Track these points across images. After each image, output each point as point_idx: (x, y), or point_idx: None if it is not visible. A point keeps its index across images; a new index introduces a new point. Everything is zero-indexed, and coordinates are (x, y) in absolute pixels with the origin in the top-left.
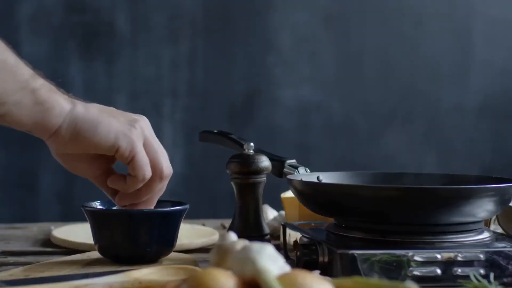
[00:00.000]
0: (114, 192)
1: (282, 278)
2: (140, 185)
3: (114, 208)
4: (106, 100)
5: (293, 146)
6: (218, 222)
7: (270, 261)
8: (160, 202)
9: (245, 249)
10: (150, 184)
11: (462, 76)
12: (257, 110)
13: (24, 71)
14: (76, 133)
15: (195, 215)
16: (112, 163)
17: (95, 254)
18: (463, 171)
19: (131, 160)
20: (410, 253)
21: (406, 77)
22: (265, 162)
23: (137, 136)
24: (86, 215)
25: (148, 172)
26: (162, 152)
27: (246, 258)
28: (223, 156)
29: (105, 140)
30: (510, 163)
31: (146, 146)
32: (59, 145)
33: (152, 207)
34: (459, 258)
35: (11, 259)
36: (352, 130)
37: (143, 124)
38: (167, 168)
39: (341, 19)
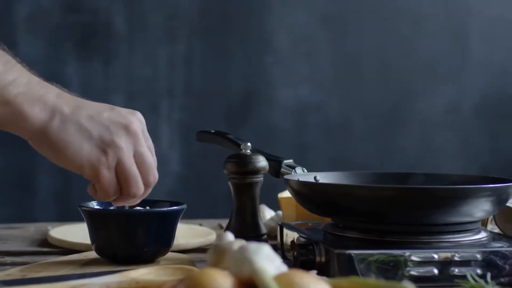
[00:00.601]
0: None
1: (279, 278)
2: (109, 200)
3: (111, 208)
4: (103, 100)
5: (291, 146)
6: (215, 222)
7: (267, 261)
8: (157, 202)
9: (242, 249)
10: (121, 199)
11: (459, 76)
12: (254, 110)
13: (6, 76)
14: (42, 151)
15: (192, 215)
16: None
17: (92, 254)
18: (461, 171)
19: (96, 182)
20: (407, 253)
21: (403, 77)
22: (262, 162)
23: (105, 164)
24: (83, 215)
25: (113, 194)
26: (135, 174)
27: (243, 258)
28: (221, 156)
29: (70, 164)
30: (508, 163)
31: (118, 170)
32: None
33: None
34: (456, 258)
35: (8, 259)
36: (349, 130)
37: (122, 143)
38: (137, 189)
39: (338, 19)
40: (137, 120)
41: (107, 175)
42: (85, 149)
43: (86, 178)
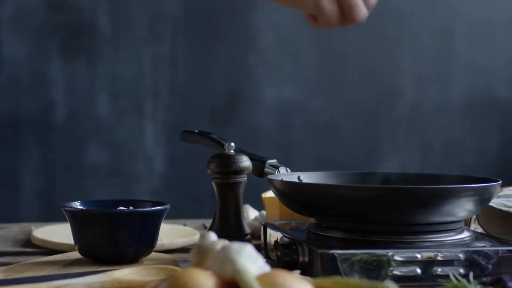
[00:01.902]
0: None
1: (262, 278)
2: (334, 21)
3: (94, 208)
4: (87, 100)
5: (276, 146)
6: (199, 222)
7: (250, 261)
8: (140, 202)
9: (224, 249)
10: (345, 24)
11: (444, 77)
12: (239, 110)
13: None
14: None
15: (177, 215)
16: None
17: (76, 255)
18: (445, 171)
19: (319, 15)
20: (390, 252)
21: (388, 77)
22: (245, 162)
23: None
24: (66, 215)
25: (336, 22)
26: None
27: (226, 258)
28: (206, 156)
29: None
30: (492, 163)
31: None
32: None
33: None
34: (439, 258)
35: None
36: (334, 130)
37: None
38: (360, 13)
39: None
40: None
41: (328, 6)
42: None
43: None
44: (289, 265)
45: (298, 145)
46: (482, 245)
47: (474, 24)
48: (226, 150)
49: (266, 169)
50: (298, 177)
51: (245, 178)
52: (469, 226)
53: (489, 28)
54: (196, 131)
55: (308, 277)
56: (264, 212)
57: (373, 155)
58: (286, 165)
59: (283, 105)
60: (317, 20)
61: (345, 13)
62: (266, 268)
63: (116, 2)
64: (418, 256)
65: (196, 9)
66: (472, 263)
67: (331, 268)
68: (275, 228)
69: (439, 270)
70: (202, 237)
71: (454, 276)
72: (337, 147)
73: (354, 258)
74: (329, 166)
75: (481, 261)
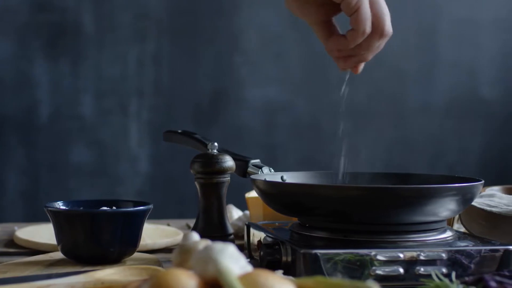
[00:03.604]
0: (336, 56)
1: (244, 278)
2: (360, 40)
3: (77, 208)
4: (72, 99)
5: (260, 146)
6: (183, 222)
7: (232, 261)
8: (123, 202)
9: (206, 249)
10: (369, 40)
11: (428, 76)
12: (223, 110)
13: None
14: None
15: (161, 215)
16: (336, 13)
17: (58, 255)
18: (429, 171)
19: (355, 12)
20: (373, 252)
21: (372, 77)
22: (228, 162)
23: None
24: (48, 216)
25: (368, 27)
26: (386, 11)
27: (208, 258)
28: (190, 156)
29: None
30: (475, 163)
31: (372, 2)
32: None
33: (366, 61)
34: (421, 257)
35: None
36: (318, 130)
37: None
38: (388, 27)
39: None
40: None
41: (366, 2)
42: None
43: (344, 10)
44: (272, 265)
45: (282, 145)
46: (465, 245)
47: (458, 24)
48: (209, 150)
49: (249, 169)
50: (281, 177)
51: (228, 178)
52: (452, 226)
53: (473, 28)
54: (179, 131)
55: (290, 277)
56: (247, 212)
57: (356, 154)
58: (270, 165)
59: (267, 105)
60: (346, 38)
61: (376, 21)
62: (248, 268)
63: (101, 2)
64: (401, 255)
65: (180, 9)
66: (454, 262)
67: (314, 268)
68: (258, 228)
69: (421, 269)
70: (185, 237)
71: (437, 275)
72: (321, 147)
73: (337, 258)
74: (313, 166)
75: (463, 261)
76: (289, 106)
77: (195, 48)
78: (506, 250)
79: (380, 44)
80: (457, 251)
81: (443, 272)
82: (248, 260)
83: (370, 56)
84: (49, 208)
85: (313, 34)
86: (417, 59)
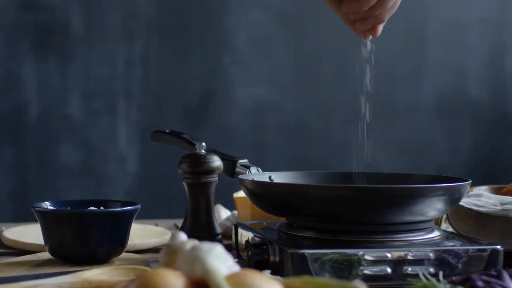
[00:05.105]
0: (351, 21)
1: (231, 278)
2: (374, 1)
3: (64, 208)
4: (60, 100)
5: (249, 146)
6: (171, 222)
7: (219, 261)
8: (111, 202)
9: (194, 249)
10: (382, 1)
11: (416, 76)
12: (212, 110)
13: None
14: None
15: (150, 215)
16: None
17: (46, 255)
18: (418, 171)
19: None
20: (360, 252)
21: (361, 77)
22: (216, 162)
23: None
24: (36, 216)
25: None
26: None
27: (195, 258)
28: (179, 156)
29: None
30: (465, 163)
31: None
32: None
33: (383, 23)
34: (409, 257)
35: None
36: (307, 130)
37: None
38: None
39: (296, 19)
40: None
41: None
42: None
43: None
44: (260, 265)
45: (271, 145)
46: (452, 244)
47: (446, 24)
48: (197, 150)
49: (237, 169)
50: (269, 177)
51: (216, 178)
52: (439, 226)
53: (462, 28)
54: (167, 131)
55: (278, 277)
56: (236, 212)
57: (345, 155)
58: (259, 165)
59: (256, 105)
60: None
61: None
62: (235, 268)
63: (89, 1)
64: (388, 255)
65: (169, 9)
66: (442, 262)
67: (301, 267)
68: (246, 228)
69: (409, 269)
70: (172, 237)
71: (424, 275)
72: (310, 147)
73: (324, 258)
74: (302, 166)
75: (451, 260)
76: (278, 106)
77: (184, 48)
78: (494, 250)
79: (395, 3)
80: (445, 251)
81: (430, 271)
82: (236, 260)
83: (386, 16)
84: (37, 208)
85: (303, 34)
86: (406, 59)
